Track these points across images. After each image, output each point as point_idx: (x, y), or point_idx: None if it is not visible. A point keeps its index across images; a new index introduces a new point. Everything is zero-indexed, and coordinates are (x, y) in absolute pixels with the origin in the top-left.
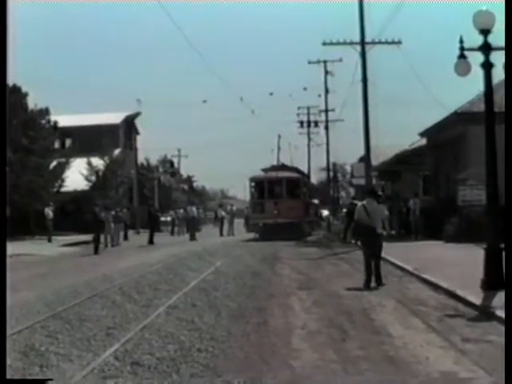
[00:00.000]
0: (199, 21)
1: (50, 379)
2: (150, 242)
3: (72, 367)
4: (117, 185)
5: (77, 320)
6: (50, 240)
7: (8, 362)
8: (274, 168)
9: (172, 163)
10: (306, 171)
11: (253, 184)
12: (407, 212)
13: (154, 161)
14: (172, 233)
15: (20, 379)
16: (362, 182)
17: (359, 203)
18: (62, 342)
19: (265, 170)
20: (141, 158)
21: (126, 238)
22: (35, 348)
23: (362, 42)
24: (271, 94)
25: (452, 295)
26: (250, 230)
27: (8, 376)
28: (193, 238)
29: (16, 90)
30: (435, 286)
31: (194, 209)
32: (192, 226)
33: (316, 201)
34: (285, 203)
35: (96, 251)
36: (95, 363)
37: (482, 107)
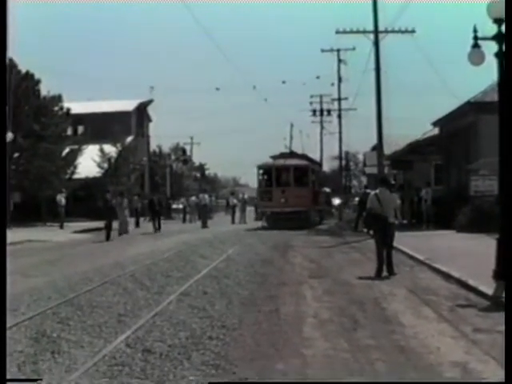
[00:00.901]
0: (213, 9)
1: (40, 379)
2: (158, 228)
3: (83, 354)
4: (129, 172)
5: (88, 306)
6: (61, 226)
7: (19, 348)
8: (282, 155)
9: (184, 151)
10: (318, 160)
11: (260, 172)
12: (419, 201)
13: (166, 148)
14: (184, 220)
15: (20, 379)
16: (375, 170)
17: (372, 192)
18: (74, 329)
19: (273, 158)
20: (153, 146)
21: (137, 225)
22: (47, 334)
23: (376, 31)
24: (284, 82)
25: (463, 285)
26: (257, 219)
27: (18, 362)
28: (205, 225)
29: (28, 76)
30: (447, 276)
31: (206, 196)
32: (204, 214)
33: (327, 189)
34: (292, 191)
35: (108, 238)
36: (106, 350)
37: (494, 97)
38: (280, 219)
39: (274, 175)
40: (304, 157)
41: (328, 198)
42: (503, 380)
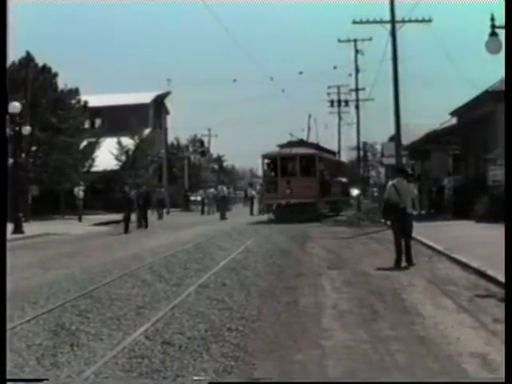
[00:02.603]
0: (229, 1)
1: (40, 379)
2: (142, 225)
3: (102, 346)
4: (147, 164)
5: (107, 299)
6: (80, 219)
7: (38, 341)
8: (290, 144)
9: (202, 142)
10: (334, 149)
11: (265, 161)
12: (437, 191)
13: (183, 140)
14: (202, 212)
15: (20, 379)
16: (393, 161)
17: (390, 182)
18: (93, 321)
19: (281, 146)
20: (171, 138)
21: (160, 217)
22: (66, 327)
23: (392, 21)
24: (301, 72)
25: (483, 275)
26: (263, 211)
27: (37, 355)
28: (223, 217)
29: (46, 70)
30: (466, 266)
31: (225, 188)
32: (222, 206)
33: (344, 179)
34: (298, 182)
35: (126, 230)
36: (125, 342)
37: None
38: (285, 211)
39: (279, 165)
40: (314, 145)
41: (345, 188)
42: (503, 380)
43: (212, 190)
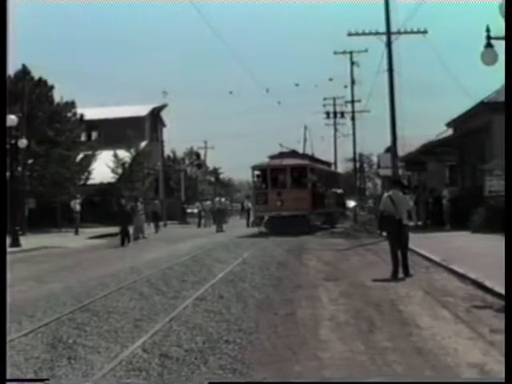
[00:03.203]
0: (225, 12)
1: (41, 379)
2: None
3: (100, 359)
4: (143, 177)
5: (104, 312)
6: (76, 232)
7: (36, 354)
8: (281, 155)
9: (198, 155)
10: (329, 160)
11: (255, 173)
12: (434, 202)
13: (180, 153)
14: (199, 225)
15: (20, 379)
16: (389, 172)
17: (385, 194)
18: (90, 334)
19: (272, 157)
20: (167, 150)
21: (156, 230)
22: (63, 340)
23: (388, 32)
24: (297, 84)
25: (480, 286)
26: (253, 224)
27: (35, 368)
28: (220, 229)
29: (42, 83)
30: (463, 277)
31: (223, 199)
32: (219, 218)
33: (339, 190)
34: (289, 194)
35: (123, 243)
36: (123, 355)
37: None
38: (276, 224)
39: (269, 176)
40: (306, 156)
41: (341, 199)
42: (503, 380)
43: (208, 202)
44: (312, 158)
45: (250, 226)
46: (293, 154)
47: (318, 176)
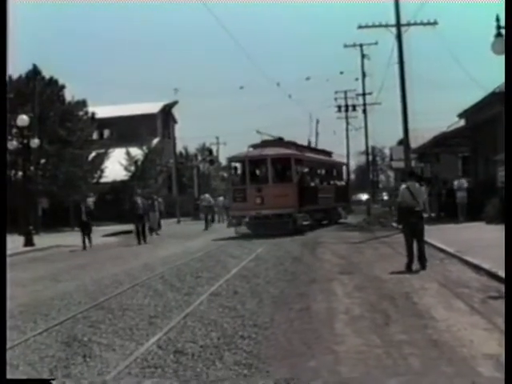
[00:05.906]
0: (235, 8)
1: (52, 379)
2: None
3: (115, 357)
4: (156, 174)
5: (119, 309)
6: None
7: (51, 352)
8: (264, 144)
9: (211, 151)
10: (344, 154)
11: (233, 165)
12: (447, 194)
13: (192, 149)
14: (206, 227)
15: (20, 379)
16: (402, 165)
17: (403, 185)
18: (105, 332)
19: (253, 147)
20: (179, 147)
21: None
22: (78, 338)
23: (398, 24)
24: (308, 78)
25: (494, 276)
26: (228, 226)
27: (50, 367)
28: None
29: (53, 82)
30: (477, 268)
31: None
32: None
33: (340, 183)
34: (271, 190)
35: (139, 241)
36: (138, 352)
37: None
38: (256, 225)
39: (247, 169)
40: (293, 145)
41: (343, 192)
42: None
43: (221, 198)
44: (300, 147)
45: (227, 227)
46: (277, 142)
47: (309, 167)
